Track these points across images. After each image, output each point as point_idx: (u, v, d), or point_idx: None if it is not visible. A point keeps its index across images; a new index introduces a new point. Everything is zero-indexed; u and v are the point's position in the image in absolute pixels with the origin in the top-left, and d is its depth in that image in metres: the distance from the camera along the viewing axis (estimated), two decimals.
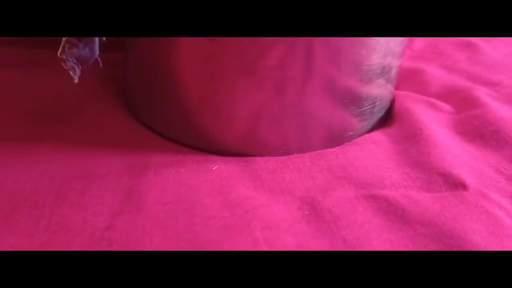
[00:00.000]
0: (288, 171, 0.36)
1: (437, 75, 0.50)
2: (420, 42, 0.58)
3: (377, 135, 0.41)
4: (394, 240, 0.30)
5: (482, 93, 0.46)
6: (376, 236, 0.30)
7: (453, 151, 0.38)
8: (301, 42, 0.33)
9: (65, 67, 0.34)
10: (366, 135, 0.41)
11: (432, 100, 0.45)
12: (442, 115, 0.43)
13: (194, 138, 0.37)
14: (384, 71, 0.39)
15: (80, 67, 0.35)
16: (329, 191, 0.34)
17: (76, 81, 0.35)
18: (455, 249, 0.29)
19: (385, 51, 0.38)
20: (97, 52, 0.36)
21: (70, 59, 0.35)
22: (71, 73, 0.35)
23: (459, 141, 0.40)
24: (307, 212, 0.32)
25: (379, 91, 0.40)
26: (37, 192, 0.32)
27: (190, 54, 0.35)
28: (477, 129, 0.41)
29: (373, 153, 0.38)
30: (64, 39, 0.35)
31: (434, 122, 0.42)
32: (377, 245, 0.29)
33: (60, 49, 0.34)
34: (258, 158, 0.37)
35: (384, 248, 0.29)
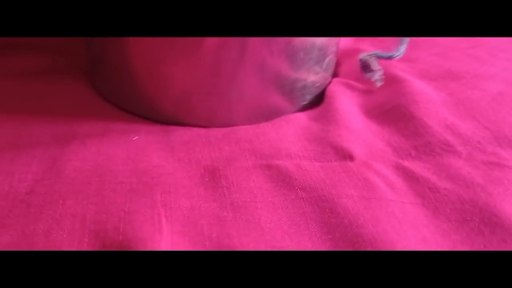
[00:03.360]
0: (200, 143, 0.40)
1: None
2: None
3: (299, 115, 0.45)
4: (277, 203, 0.35)
5: (398, 69, 0.50)
6: (261, 200, 0.35)
7: (352, 127, 0.42)
8: None
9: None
10: (289, 115, 0.45)
11: (352, 82, 0.49)
12: (357, 95, 0.48)
13: (138, 105, 0.43)
14: (318, 60, 0.43)
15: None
16: (231, 161, 0.38)
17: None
18: (327, 214, 0.34)
19: (320, 42, 0.42)
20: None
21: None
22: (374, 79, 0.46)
23: (363, 118, 0.45)
24: (207, 179, 0.37)
25: (311, 77, 0.44)
26: None
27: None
28: (381, 106, 0.45)
29: (281, 129, 0.42)
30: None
31: (347, 102, 0.46)
32: (261, 207, 0.34)
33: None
34: (179, 130, 0.42)
35: (265, 214, 0.34)
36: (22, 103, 0.43)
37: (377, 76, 0.47)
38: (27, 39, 0.51)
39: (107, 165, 0.37)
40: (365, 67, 0.49)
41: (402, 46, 0.51)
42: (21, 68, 0.48)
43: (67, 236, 0.31)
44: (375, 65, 0.48)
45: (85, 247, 0.31)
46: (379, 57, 0.50)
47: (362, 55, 0.49)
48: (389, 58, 0.51)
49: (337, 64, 0.51)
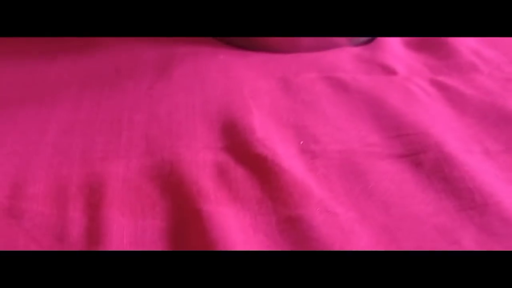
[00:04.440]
0: (272, 63, 0.51)
1: None
2: None
3: (354, 48, 0.54)
4: (337, 101, 0.45)
5: None
6: (325, 98, 0.45)
7: (395, 52, 0.52)
8: None
9: None
10: (346, 47, 0.54)
11: None
12: None
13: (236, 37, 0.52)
14: None
15: None
16: (298, 73, 0.49)
17: None
18: (376, 108, 0.44)
19: None
20: None
21: None
22: None
23: (405, 48, 0.54)
24: (281, 85, 0.47)
25: None
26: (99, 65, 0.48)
27: None
28: (423, 39, 0.54)
29: (338, 54, 0.52)
30: None
31: (392, 38, 0.55)
32: (325, 103, 0.45)
33: None
34: (254, 54, 0.52)
35: (328, 107, 0.44)
36: None
37: None
38: None
39: (203, 73, 0.48)
40: None
41: None
42: None
43: (183, 116, 0.42)
44: None
45: (198, 123, 0.41)
46: None
47: None
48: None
49: None
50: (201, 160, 0.38)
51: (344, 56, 0.52)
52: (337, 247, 0.32)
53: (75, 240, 0.33)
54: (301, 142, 0.41)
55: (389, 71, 0.49)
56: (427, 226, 0.34)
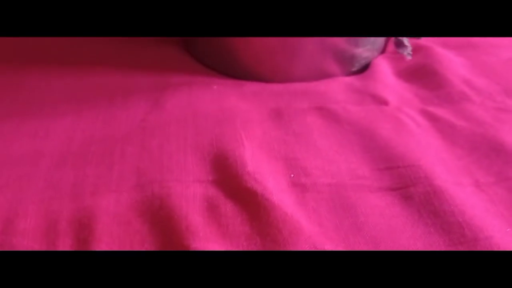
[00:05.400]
0: (265, 93, 0.51)
1: None
2: None
3: (345, 78, 0.54)
4: (328, 132, 0.45)
5: (424, 41, 0.59)
6: (316, 130, 0.46)
7: (387, 82, 0.52)
8: None
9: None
10: (338, 77, 0.54)
11: (392, 55, 0.58)
12: (393, 63, 0.57)
13: (219, 62, 0.54)
14: (370, 39, 0.54)
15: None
16: (290, 104, 0.49)
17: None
18: (367, 139, 0.44)
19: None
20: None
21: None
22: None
23: (396, 78, 0.54)
24: (273, 115, 0.47)
25: (361, 51, 0.54)
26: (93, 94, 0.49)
27: None
28: (410, 67, 0.55)
29: (330, 85, 0.53)
30: None
31: (384, 68, 0.55)
32: (316, 134, 0.45)
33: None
34: (249, 83, 0.53)
35: (319, 139, 0.44)
36: (127, 59, 0.55)
37: (408, 50, 0.57)
38: None
39: (196, 103, 0.48)
40: (399, 43, 0.58)
41: None
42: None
43: (175, 149, 0.43)
44: (406, 41, 0.57)
45: (189, 156, 0.42)
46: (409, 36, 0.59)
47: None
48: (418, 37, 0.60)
49: (388, 45, 0.60)
50: (191, 194, 0.38)
51: (336, 86, 0.52)
52: None
53: None
54: (292, 175, 0.41)
55: (380, 101, 0.49)
56: None
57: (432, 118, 0.48)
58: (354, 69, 0.56)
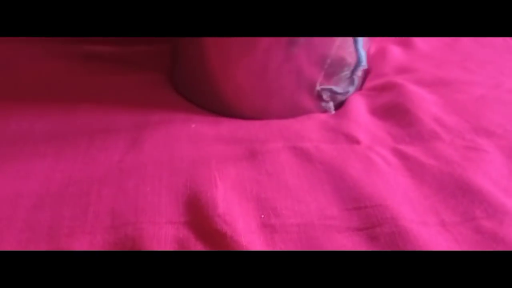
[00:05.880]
0: (242, 131, 0.53)
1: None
2: None
3: (321, 115, 0.56)
4: (300, 172, 0.47)
5: (399, 79, 0.61)
6: (288, 169, 0.47)
7: (360, 121, 0.54)
8: None
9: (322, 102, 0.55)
10: (313, 114, 0.56)
11: (368, 92, 0.60)
12: (367, 100, 0.58)
13: (200, 98, 0.56)
14: (346, 76, 0.56)
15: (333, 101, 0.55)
16: (265, 143, 0.51)
17: (332, 112, 0.55)
18: (337, 179, 0.46)
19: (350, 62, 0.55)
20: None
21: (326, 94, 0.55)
22: (325, 105, 0.55)
23: (370, 116, 0.56)
24: (247, 155, 0.49)
25: (337, 88, 0.56)
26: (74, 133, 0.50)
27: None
28: (383, 105, 0.57)
29: (305, 122, 0.54)
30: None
31: (358, 105, 0.57)
32: (288, 174, 0.46)
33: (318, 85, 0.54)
34: (226, 121, 0.54)
35: (291, 178, 0.46)
36: (110, 91, 0.57)
37: (330, 105, 0.57)
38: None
39: (174, 144, 0.50)
40: (319, 97, 0.57)
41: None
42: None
43: (150, 189, 0.44)
44: (326, 96, 0.57)
45: (164, 197, 0.43)
46: (333, 92, 0.57)
47: (318, 87, 0.56)
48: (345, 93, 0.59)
49: (365, 82, 0.62)
50: (163, 236, 0.40)
51: (311, 124, 0.54)
52: None
53: None
54: (262, 216, 0.42)
55: (352, 140, 0.51)
56: None
57: (403, 157, 0.49)
58: (329, 106, 0.57)
